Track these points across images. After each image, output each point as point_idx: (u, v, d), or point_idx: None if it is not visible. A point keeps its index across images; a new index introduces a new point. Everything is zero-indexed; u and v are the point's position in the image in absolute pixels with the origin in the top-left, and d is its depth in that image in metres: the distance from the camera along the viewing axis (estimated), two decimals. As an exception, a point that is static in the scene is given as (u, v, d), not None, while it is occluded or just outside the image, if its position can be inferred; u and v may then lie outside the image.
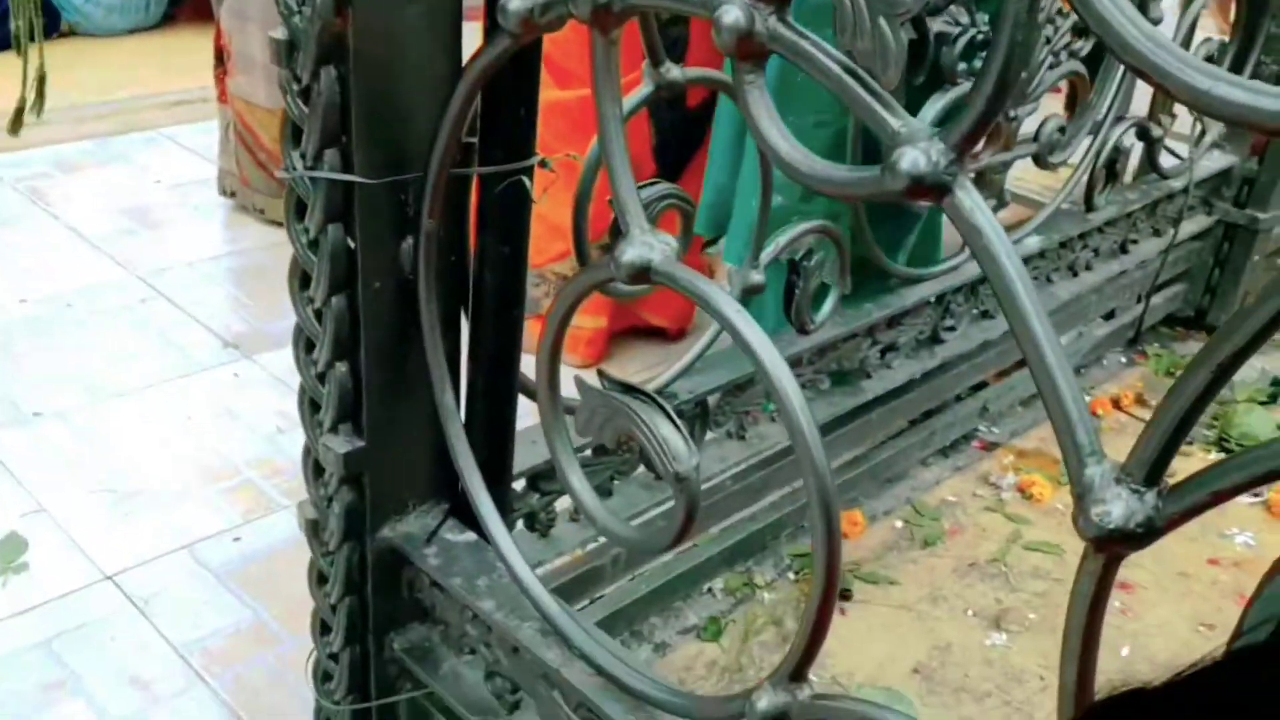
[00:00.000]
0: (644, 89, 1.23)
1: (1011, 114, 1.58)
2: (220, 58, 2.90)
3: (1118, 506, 0.53)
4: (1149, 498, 0.53)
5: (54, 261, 2.74)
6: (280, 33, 0.96)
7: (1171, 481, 0.54)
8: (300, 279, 1.05)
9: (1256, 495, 2.09)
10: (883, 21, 0.57)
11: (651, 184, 1.34)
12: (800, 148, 0.67)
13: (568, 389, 0.98)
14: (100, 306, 2.56)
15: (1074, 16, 1.67)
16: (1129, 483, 0.53)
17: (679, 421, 0.85)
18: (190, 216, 3.03)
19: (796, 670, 0.79)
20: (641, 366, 2.43)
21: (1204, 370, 0.50)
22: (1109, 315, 2.45)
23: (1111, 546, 0.55)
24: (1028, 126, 1.77)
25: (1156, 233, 2.36)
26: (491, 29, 0.91)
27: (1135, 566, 1.88)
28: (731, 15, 0.66)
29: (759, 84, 0.68)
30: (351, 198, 0.99)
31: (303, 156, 0.98)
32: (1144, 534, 0.53)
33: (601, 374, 0.91)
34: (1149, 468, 0.53)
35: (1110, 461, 0.55)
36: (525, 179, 1.06)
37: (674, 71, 1.22)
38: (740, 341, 0.77)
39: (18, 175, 3.13)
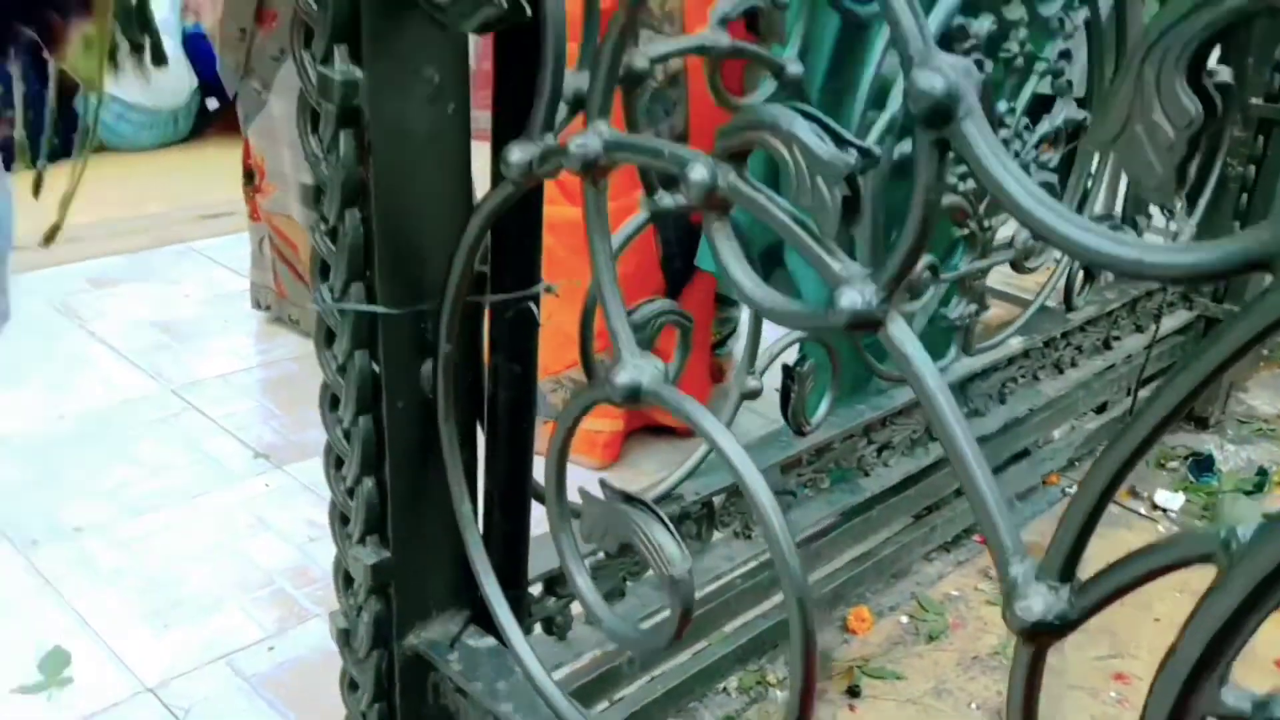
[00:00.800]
0: (639, 217, 1.35)
1: (986, 224, 1.69)
2: (250, 176, 3.02)
3: (1038, 602, 0.60)
4: (1063, 593, 0.60)
5: (89, 376, 2.84)
6: (309, 179, 1.09)
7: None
8: (330, 401, 1.15)
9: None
10: (820, 181, 0.69)
11: (649, 302, 1.45)
12: (763, 286, 0.77)
13: (585, 489, 1.05)
14: (135, 420, 2.65)
15: (1042, 128, 1.79)
16: (1046, 579, 0.61)
17: (672, 527, 0.93)
18: (221, 329, 3.14)
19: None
20: (656, 465, 2.51)
21: (1102, 474, 0.59)
22: (1101, 409, 2.51)
23: (1037, 637, 0.62)
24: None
25: (1138, 328, 2.44)
26: (496, 177, 1.03)
27: (1131, 659, 1.91)
28: (698, 173, 0.77)
29: (725, 230, 0.79)
30: (376, 326, 1.08)
31: (331, 290, 1.09)
32: (1061, 626, 0.60)
33: (603, 484, 1.00)
34: (1061, 566, 0.61)
35: (1032, 559, 0.62)
36: (532, 304, 1.17)
37: (666, 200, 1.34)
38: (721, 455, 0.85)
39: (52, 291, 3.25)
